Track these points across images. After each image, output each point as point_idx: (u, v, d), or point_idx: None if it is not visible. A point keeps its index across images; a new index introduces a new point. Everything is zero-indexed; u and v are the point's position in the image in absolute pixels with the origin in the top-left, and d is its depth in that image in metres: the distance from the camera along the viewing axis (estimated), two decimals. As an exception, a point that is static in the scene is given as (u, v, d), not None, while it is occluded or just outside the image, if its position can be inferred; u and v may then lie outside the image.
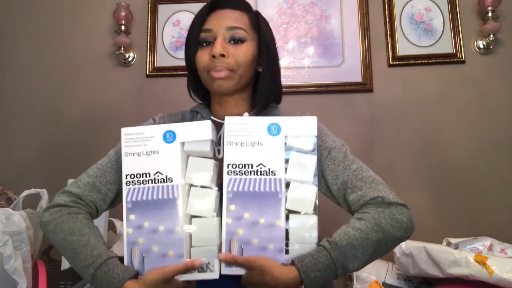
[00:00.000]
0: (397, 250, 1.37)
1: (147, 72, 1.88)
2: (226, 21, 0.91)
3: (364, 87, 1.79)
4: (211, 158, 0.82)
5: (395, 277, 1.45)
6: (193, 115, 1.00)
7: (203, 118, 0.97)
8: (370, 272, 1.46)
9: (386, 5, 1.85)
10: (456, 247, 1.42)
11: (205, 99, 1.03)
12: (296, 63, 1.84)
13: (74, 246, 0.80)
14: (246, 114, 0.94)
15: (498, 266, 1.14)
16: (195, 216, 0.80)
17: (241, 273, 0.77)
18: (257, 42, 0.94)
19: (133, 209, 0.80)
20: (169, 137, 0.82)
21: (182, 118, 1.00)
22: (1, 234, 1.09)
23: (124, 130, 0.83)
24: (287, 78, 1.82)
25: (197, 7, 1.85)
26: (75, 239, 0.80)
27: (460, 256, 1.20)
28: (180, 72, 1.82)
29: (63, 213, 0.84)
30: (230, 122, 0.82)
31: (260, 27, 0.94)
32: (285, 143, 0.81)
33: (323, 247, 0.77)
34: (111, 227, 1.43)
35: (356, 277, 1.47)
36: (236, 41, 0.91)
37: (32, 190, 1.28)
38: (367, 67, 1.80)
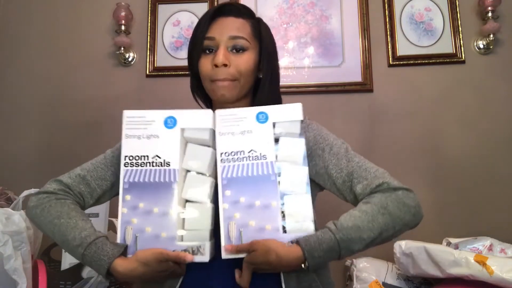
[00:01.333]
0: (397, 250, 1.37)
1: (147, 72, 1.88)
2: (228, 30, 0.92)
3: (364, 87, 1.79)
4: (209, 146, 0.84)
5: (395, 277, 1.45)
6: None
7: None
8: (370, 272, 1.46)
9: (386, 5, 1.84)
10: (456, 247, 1.42)
11: (206, 103, 1.05)
12: (296, 63, 1.84)
13: (62, 228, 0.82)
14: None
15: (498, 266, 1.14)
16: (190, 201, 0.82)
17: (242, 256, 0.78)
18: (259, 50, 0.96)
19: (130, 190, 0.82)
20: (169, 122, 0.84)
21: None
22: (1, 234, 1.09)
23: (126, 113, 0.86)
24: (287, 78, 1.82)
25: (197, 7, 1.91)
26: (63, 221, 0.82)
27: (460, 256, 1.20)
28: (180, 72, 1.81)
29: (51, 198, 0.86)
30: (221, 114, 0.85)
31: (261, 35, 0.97)
32: (274, 130, 0.84)
33: (328, 228, 0.78)
34: (111, 227, 1.43)
35: (356, 277, 1.47)
36: (238, 49, 0.93)
37: (32, 190, 1.27)
38: (367, 67, 1.79)
